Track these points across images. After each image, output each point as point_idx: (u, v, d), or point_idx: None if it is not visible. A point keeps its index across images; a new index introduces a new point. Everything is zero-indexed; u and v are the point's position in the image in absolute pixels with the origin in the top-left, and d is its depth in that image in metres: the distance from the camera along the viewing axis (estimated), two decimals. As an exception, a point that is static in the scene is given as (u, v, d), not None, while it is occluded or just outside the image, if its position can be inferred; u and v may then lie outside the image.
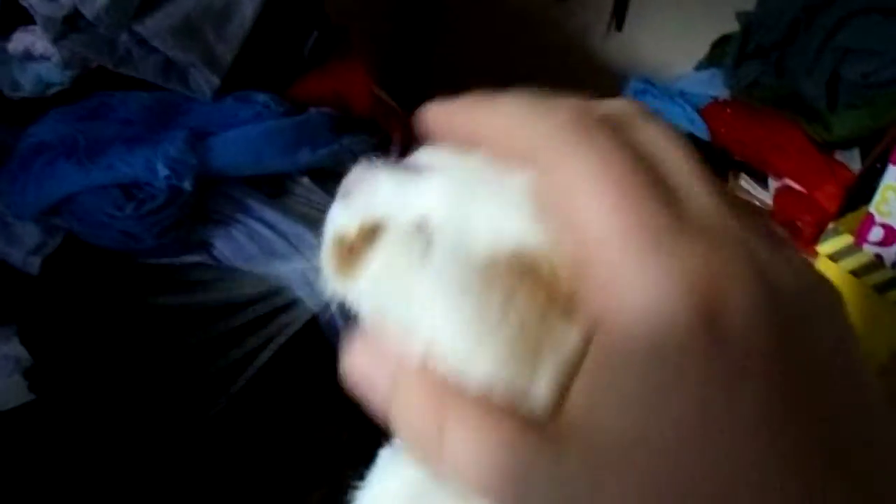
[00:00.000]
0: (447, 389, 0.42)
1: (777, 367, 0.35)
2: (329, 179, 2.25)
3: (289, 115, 2.25)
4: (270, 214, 2.05)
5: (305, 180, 2.21)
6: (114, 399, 1.82)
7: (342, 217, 0.55)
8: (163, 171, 1.94)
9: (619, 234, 0.37)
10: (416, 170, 0.52)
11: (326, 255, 0.56)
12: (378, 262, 0.50)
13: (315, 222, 2.09)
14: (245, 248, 2.00)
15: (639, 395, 0.36)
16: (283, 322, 1.95)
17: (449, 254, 0.46)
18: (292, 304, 1.96)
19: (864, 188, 2.09)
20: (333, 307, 0.56)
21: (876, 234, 1.88)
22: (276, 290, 1.96)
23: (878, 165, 2.06)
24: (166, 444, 1.80)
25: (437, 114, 0.50)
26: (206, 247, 2.01)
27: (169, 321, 1.88)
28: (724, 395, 0.35)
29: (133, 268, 1.96)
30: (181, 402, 1.82)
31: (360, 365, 0.46)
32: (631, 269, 0.37)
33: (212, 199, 2.05)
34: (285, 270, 1.98)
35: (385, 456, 0.66)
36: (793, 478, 0.34)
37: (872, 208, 1.88)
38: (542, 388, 0.41)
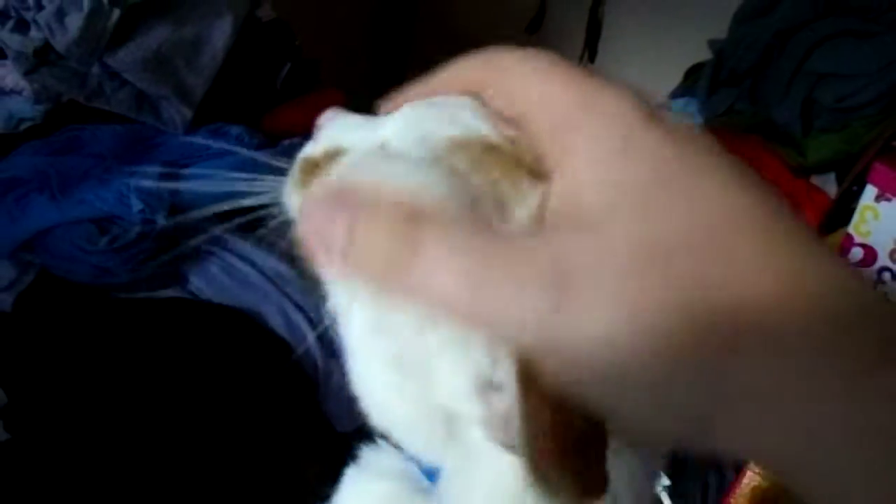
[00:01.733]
0: (418, 216, 0.43)
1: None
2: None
3: (262, 148, 2.24)
4: (245, 248, 2.04)
5: (279, 212, 2.19)
6: (90, 436, 1.80)
7: (310, 146, 0.62)
8: (136, 205, 1.93)
9: (558, 104, 0.47)
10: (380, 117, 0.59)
11: (292, 177, 0.62)
12: (341, 167, 0.57)
13: (290, 255, 2.08)
14: (220, 282, 1.98)
15: (602, 177, 0.42)
16: (258, 356, 1.93)
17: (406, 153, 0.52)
18: (268, 337, 1.94)
19: (841, 211, 2.09)
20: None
21: (856, 254, 1.88)
22: (252, 324, 1.95)
23: (855, 188, 2.06)
24: (142, 480, 1.78)
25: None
26: (181, 281, 1.99)
27: (144, 356, 1.86)
28: (678, 152, 0.41)
29: (108, 303, 1.94)
30: (156, 438, 1.80)
31: (315, 220, 0.46)
32: (583, 115, 0.45)
33: (185, 234, 2.03)
34: (261, 304, 1.96)
35: (350, 475, 0.70)
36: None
37: (851, 229, 1.88)
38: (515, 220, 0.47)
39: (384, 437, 0.66)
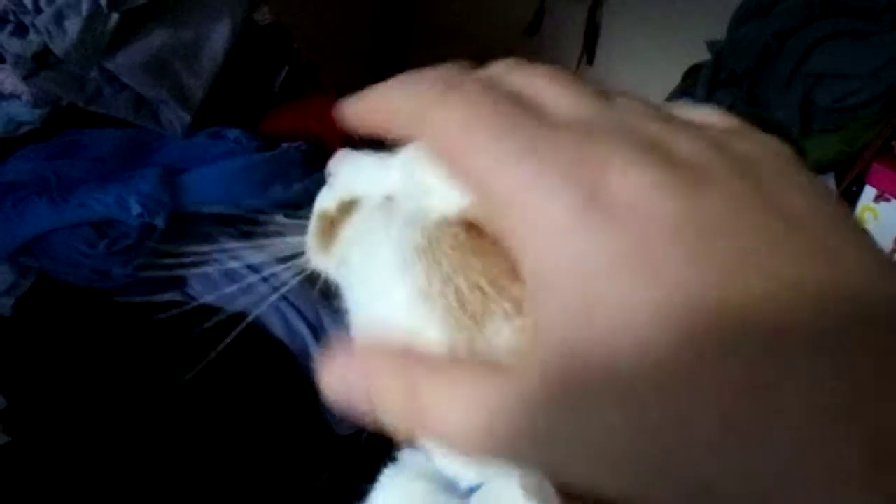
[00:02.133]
0: (411, 359, 0.44)
1: (682, 207, 0.36)
2: (302, 215, 2.22)
3: (261, 151, 2.24)
4: (243, 251, 2.03)
5: (279, 216, 2.19)
6: (89, 440, 1.80)
7: (325, 197, 0.62)
8: (135, 209, 1.93)
9: (496, 164, 0.39)
10: (394, 153, 0.56)
11: (311, 237, 0.62)
12: (350, 229, 0.56)
13: (288, 259, 2.08)
14: (219, 285, 1.98)
15: (568, 300, 0.37)
16: (259, 361, 1.93)
17: (404, 222, 0.50)
18: (267, 341, 1.94)
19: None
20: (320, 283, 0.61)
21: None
22: (252, 328, 1.94)
23: (854, 188, 2.06)
24: (141, 484, 1.78)
25: (348, 110, 0.53)
26: (179, 284, 1.99)
27: (143, 360, 1.86)
28: (627, 245, 0.36)
29: (107, 307, 1.94)
30: (156, 442, 1.80)
31: (335, 377, 0.46)
32: (511, 187, 0.39)
33: (185, 236, 2.03)
34: (261, 307, 1.96)
35: (388, 474, 0.68)
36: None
37: (850, 230, 1.87)
38: (495, 341, 0.44)
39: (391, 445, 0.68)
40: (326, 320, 1.98)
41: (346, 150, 0.67)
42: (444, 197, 0.48)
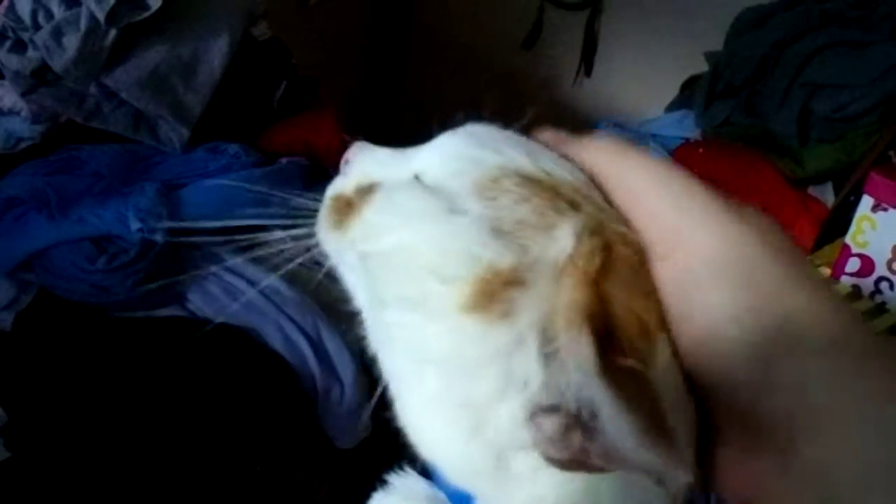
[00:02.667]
0: None
1: None
2: (301, 229, 2.22)
3: (260, 166, 2.25)
4: (243, 266, 2.03)
5: (278, 232, 2.18)
6: (90, 454, 1.80)
7: (340, 181, 0.67)
8: (134, 224, 1.93)
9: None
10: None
11: (323, 214, 0.66)
12: (373, 208, 0.60)
13: (288, 272, 2.07)
14: (219, 300, 1.98)
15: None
16: (258, 375, 1.93)
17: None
18: (266, 355, 1.94)
19: (838, 221, 2.09)
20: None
21: (853, 265, 1.88)
22: (251, 343, 1.94)
23: (852, 198, 2.06)
24: (141, 498, 1.77)
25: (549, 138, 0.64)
26: (179, 299, 1.99)
27: (143, 375, 1.86)
28: None
29: (107, 322, 1.94)
30: (156, 456, 1.80)
31: None
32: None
33: (184, 251, 2.03)
34: (259, 322, 1.96)
35: (377, 498, 0.73)
36: None
37: (848, 239, 1.88)
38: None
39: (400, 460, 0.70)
40: (325, 334, 1.98)
41: (362, 142, 0.71)
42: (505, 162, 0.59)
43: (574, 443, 0.52)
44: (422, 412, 0.64)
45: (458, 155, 0.60)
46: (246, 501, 1.89)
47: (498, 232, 0.55)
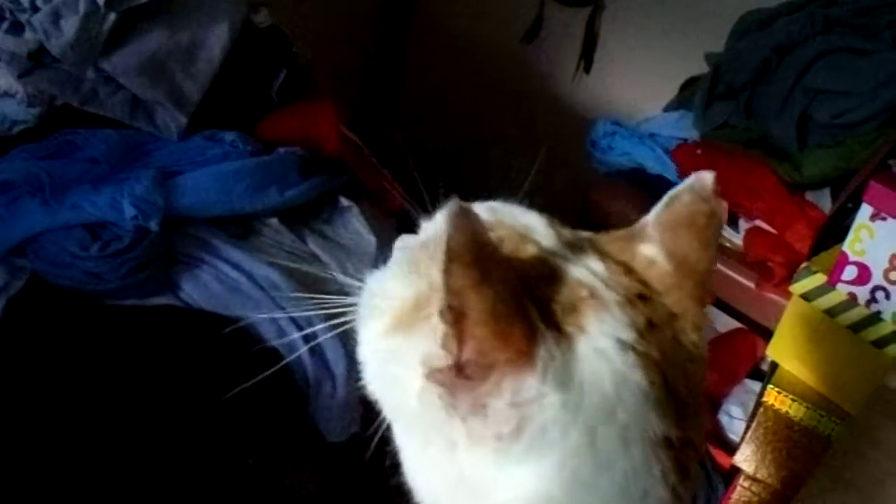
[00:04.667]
0: None
1: None
2: (297, 220, 2.23)
3: (257, 155, 2.24)
4: (237, 256, 2.02)
5: (273, 221, 2.19)
6: (79, 442, 1.79)
7: (394, 284, 0.80)
8: (129, 211, 1.92)
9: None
10: None
11: (378, 314, 0.78)
12: None
13: (282, 264, 2.06)
14: (212, 289, 1.97)
15: None
16: (249, 365, 1.92)
17: None
18: (259, 346, 1.93)
19: (835, 228, 2.09)
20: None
21: (850, 273, 1.88)
22: (243, 333, 1.93)
23: (850, 205, 2.06)
24: (130, 486, 1.76)
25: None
26: (172, 288, 1.98)
27: (133, 363, 1.85)
28: None
29: (99, 310, 1.93)
30: (145, 444, 1.79)
31: None
32: None
33: (178, 240, 2.02)
34: (252, 313, 1.95)
35: None
36: None
37: (846, 247, 1.87)
38: None
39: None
40: (319, 328, 1.96)
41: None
42: None
43: (451, 349, 0.66)
44: (403, 456, 0.79)
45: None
46: (236, 494, 1.88)
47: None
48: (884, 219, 1.87)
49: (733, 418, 2.58)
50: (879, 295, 1.89)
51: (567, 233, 0.81)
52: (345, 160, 2.45)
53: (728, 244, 2.59)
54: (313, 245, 2.22)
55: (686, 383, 0.74)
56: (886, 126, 2.42)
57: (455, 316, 0.65)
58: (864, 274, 1.89)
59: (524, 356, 0.66)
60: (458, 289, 0.64)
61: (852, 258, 1.89)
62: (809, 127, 2.56)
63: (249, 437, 1.89)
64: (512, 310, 0.66)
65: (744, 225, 2.58)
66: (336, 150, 2.46)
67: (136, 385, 1.82)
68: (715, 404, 2.66)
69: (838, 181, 2.53)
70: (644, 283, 0.77)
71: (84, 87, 2.12)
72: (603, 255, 0.78)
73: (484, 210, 0.77)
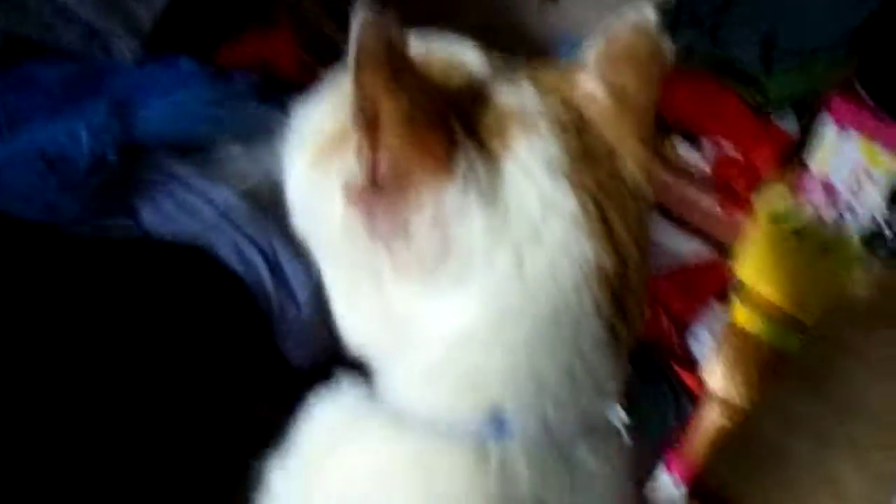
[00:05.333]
0: None
1: None
2: (256, 145, 2.21)
3: (214, 81, 2.22)
4: (198, 182, 2.01)
5: (231, 146, 2.17)
6: (40, 374, 1.77)
7: (319, 117, 0.81)
8: (86, 141, 1.91)
9: None
10: None
11: (310, 146, 0.79)
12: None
13: (242, 189, 2.05)
14: (173, 216, 1.96)
15: None
16: (210, 291, 1.91)
17: None
18: (221, 272, 1.92)
19: (800, 149, 2.08)
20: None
21: (815, 189, 1.88)
22: (205, 258, 1.92)
23: (816, 127, 2.05)
24: (89, 414, 1.75)
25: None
26: (132, 215, 1.96)
27: (94, 292, 1.83)
28: None
29: (57, 239, 1.91)
30: (106, 373, 1.78)
31: None
32: None
33: (137, 167, 2.00)
34: (213, 238, 1.94)
35: (312, 404, 0.86)
36: None
37: (811, 164, 1.87)
38: None
39: (343, 373, 0.85)
40: (281, 250, 1.97)
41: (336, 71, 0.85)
42: None
43: (366, 159, 0.67)
44: (333, 298, 0.81)
45: None
46: (200, 421, 1.87)
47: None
48: (848, 134, 1.87)
49: (701, 341, 2.59)
50: (845, 212, 1.89)
51: (501, 62, 0.81)
52: (304, 86, 2.41)
53: (692, 166, 2.58)
54: (272, 169, 2.15)
55: (624, 219, 0.74)
56: (850, 48, 2.42)
57: (368, 122, 0.65)
58: (829, 191, 1.90)
59: (442, 166, 0.65)
60: (370, 93, 0.63)
61: (818, 175, 1.90)
62: (775, 51, 2.55)
63: (213, 363, 1.88)
64: (428, 117, 0.65)
65: (708, 147, 2.57)
66: (294, 76, 2.42)
67: (98, 314, 1.81)
68: (682, 328, 2.66)
69: (804, 104, 2.52)
70: (581, 115, 0.77)
71: (38, 19, 2.09)
72: (539, 84, 0.77)
73: (415, 41, 0.74)
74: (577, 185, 0.70)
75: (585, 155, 0.73)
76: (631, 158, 0.76)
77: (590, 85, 0.79)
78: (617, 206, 0.73)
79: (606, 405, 0.83)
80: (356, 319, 0.79)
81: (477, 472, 0.74)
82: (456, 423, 0.75)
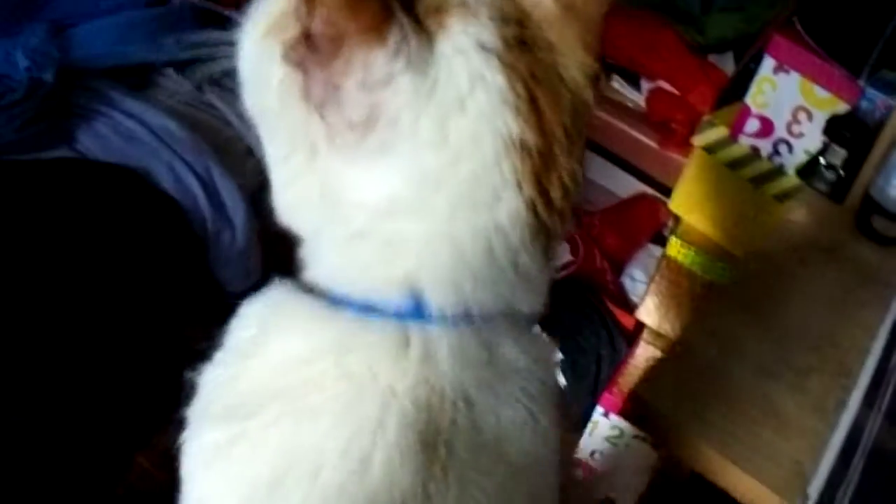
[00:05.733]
0: None
1: None
2: (194, 71, 2.19)
3: (153, 5, 2.20)
4: (135, 106, 1.99)
5: (170, 72, 2.15)
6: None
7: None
8: (23, 63, 1.89)
9: None
10: None
11: (263, 21, 0.79)
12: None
13: (180, 113, 2.04)
14: (109, 141, 1.94)
15: None
16: (148, 217, 1.90)
17: None
18: (157, 196, 1.91)
19: (737, 89, 2.10)
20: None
21: (752, 126, 1.89)
22: (141, 183, 1.91)
23: (753, 66, 2.06)
24: (20, 339, 1.73)
25: None
26: (69, 140, 1.94)
27: (30, 217, 1.81)
28: None
29: (-9, 161, 1.89)
30: (39, 296, 1.76)
31: None
32: None
33: (74, 92, 1.98)
34: (150, 162, 1.92)
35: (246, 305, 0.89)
36: None
37: (748, 100, 1.89)
38: None
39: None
40: (217, 175, 1.96)
41: None
42: None
43: (302, 16, 0.69)
44: (272, 175, 0.83)
45: None
46: (133, 346, 1.86)
47: None
48: (787, 72, 1.88)
49: (636, 281, 2.61)
50: (782, 148, 1.91)
51: None
52: (241, 9, 2.39)
53: (630, 104, 2.59)
54: (210, 94, 2.18)
55: (555, 107, 0.75)
56: (790, -10, 2.43)
57: None
58: (766, 127, 1.91)
59: (374, 31, 0.67)
60: None
61: (755, 111, 1.91)
62: (714, -10, 2.56)
63: (147, 287, 1.87)
64: None
65: (646, 85, 2.58)
66: (234, 2, 2.39)
67: (33, 237, 1.79)
68: (618, 268, 2.68)
69: (741, 44, 2.53)
70: (525, 11, 0.77)
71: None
72: None
73: None
74: (509, 67, 0.71)
75: (523, 45, 0.74)
76: (575, 62, 0.77)
77: None
78: (548, 94, 0.74)
79: (531, 303, 0.84)
80: (292, 195, 0.80)
81: (399, 356, 0.76)
82: (377, 304, 0.77)
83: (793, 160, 1.90)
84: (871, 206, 1.50)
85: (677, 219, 2.04)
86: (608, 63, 2.64)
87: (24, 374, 1.70)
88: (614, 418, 2.11)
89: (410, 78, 0.68)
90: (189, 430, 0.84)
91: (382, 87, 0.69)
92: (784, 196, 1.88)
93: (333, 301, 0.80)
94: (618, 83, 2.60)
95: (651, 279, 2.07)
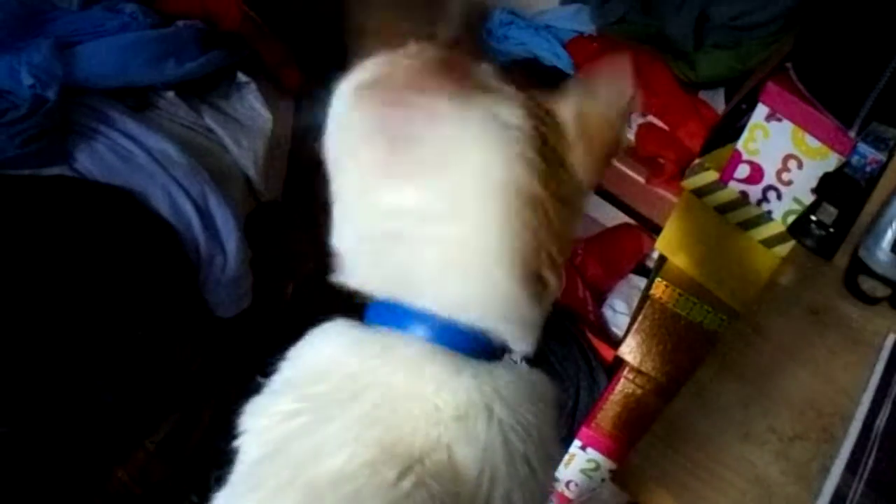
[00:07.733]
0: None
1: None
2: (194, 94, 2.21)
3: (156, 27, 2.22)
4: (134, 128, 2.01)
5: (170, 94, 2.17)
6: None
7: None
8: (27, 80, 1.91)
9: None
10: None
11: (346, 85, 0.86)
12: None
13: (178, 137, 2.05)
14: (107, 161, 1.95)
15: None
16: (143, 239, 1.91)
17: None
18: (151, 218, 1.92)
19: (728, 128, 2.11)
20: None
21: (742, 171, 1.91)
22: (136, 205, 1.92)
23: (744, 106, 2.08)
24: (18, 354, 1.74)
25: None
26: (67, 158, 1.96)
27: (26, 233, 1.82)
28: None
29: (-9, 176, 1.90)
30: (36, 313, 1.77)
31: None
32: None
33: (75, 110, 2.00)
34: (146, 185, 1.94)
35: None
36: None
37: (740, 146, 1.91)
38: None
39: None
40: (212, 201, 1.98)
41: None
42: None
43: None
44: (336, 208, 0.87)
45: None
46: (124, 365, 1.87)
47: None
48: (779, 119, 1.90)
49: (617, 312, 2.63)
50: (771, 195, 1.93)
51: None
52: (244, 35, 2.43)
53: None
54: (209, 119, 2.21)
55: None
56: (784, 29, 2.45)
57: None
58: (756, 173, 1.93)
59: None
60: None
61: (746, 157, 1.93)
62: (707, 27, 2.57)
63: (139, 308, 1.88)
64: None
65: (636, 120, 2.60)
66: (235, 25, 2.42)
67: (28, 254, 1.80)
68: (599, 298, 2.70)
69: (733, 82, 2.55)
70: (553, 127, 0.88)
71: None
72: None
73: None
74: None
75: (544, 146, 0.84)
76: (579, 161, 0.89)
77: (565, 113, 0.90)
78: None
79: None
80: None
81: None
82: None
83: (781, 207, 1.92)
84: (858, 266, 1.52)
85: (663, 259, 2.06)
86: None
87: (13, 387, 1.72)
88: (591, 451, 2.13)
89: None
90: None
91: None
92: (771, 242, 1.91)
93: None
94: (607, 115, 2.61)
95: (633, 314, 2.09)
